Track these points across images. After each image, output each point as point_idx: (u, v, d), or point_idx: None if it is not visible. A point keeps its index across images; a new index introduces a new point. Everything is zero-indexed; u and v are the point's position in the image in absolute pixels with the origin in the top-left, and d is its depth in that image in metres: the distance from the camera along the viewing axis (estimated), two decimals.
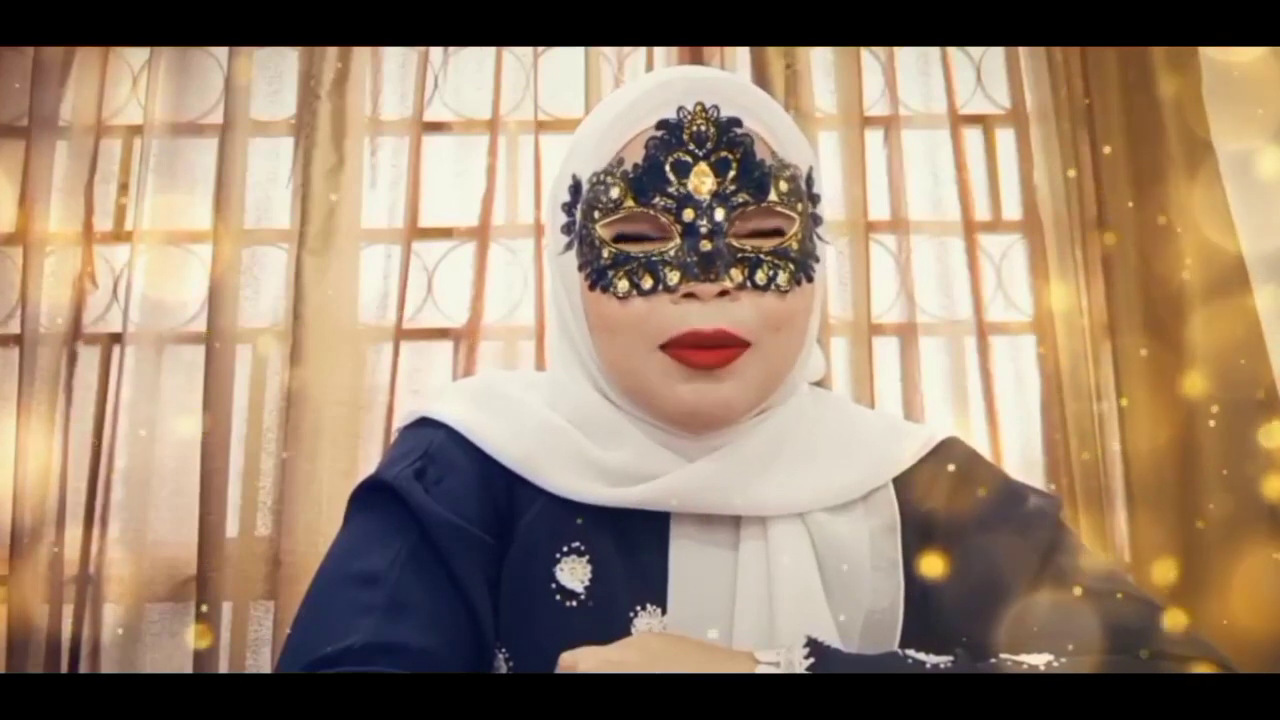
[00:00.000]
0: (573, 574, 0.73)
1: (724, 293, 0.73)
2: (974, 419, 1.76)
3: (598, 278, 0.75)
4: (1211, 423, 1.66)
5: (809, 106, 1.81)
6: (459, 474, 0.76)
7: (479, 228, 1.81)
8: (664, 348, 0.74)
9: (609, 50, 1.89)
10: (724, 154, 0.75)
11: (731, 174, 0.74)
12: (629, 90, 0.81)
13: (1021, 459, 1.76)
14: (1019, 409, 1.80)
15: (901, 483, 0.81)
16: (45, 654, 1.63)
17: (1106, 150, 1.79)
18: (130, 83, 1.91)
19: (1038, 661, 0.67)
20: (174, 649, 1.69)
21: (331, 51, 1.83)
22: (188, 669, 1.64)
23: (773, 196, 0.75)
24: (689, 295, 0.73)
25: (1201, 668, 0.68)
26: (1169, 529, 1.66)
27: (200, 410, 1.71)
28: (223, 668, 1.65)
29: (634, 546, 0.75)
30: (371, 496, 0.76)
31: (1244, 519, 1.63)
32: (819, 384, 0.88)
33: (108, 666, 1.65)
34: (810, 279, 0.77)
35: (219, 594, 1.65)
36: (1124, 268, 1.76)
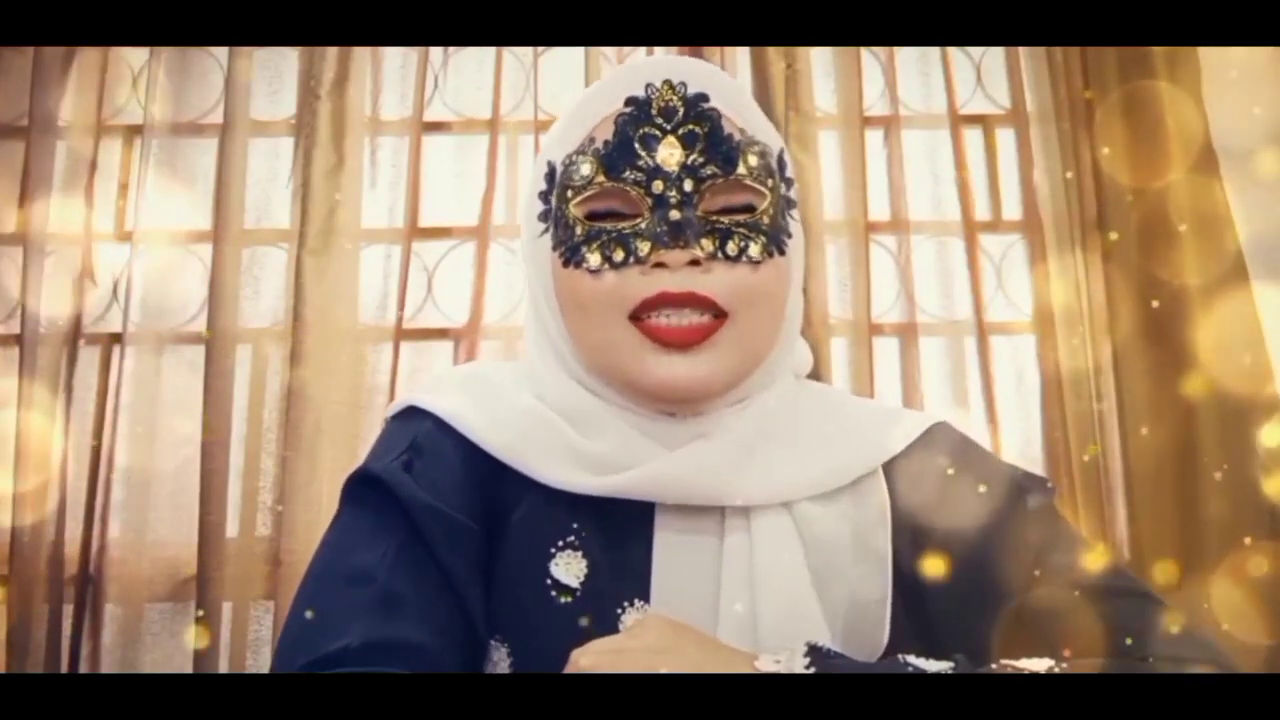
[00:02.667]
0: (568, 569, 0.73)
1: (695, 262, 0.74)
2: (974, 419, 1.76)
3: (571, 254, 0.76)
4: (1211, 423, 1.66)
5: (809, 106, 1.81)
6: (446, 464, 0.76)
7: (479, 228, 1.81)
8: (635, 319, 0.74)
9: (609, 50, 1.88)
10: (692, 127, 0.76)
11: (699, 146, 0.75)
12: (598, 81, 0.83)
13: (1021, 459, 1.76)
14: (1019, 409, 1.80)
15: (891, 470, 0.80)
16: (45, 654, 1.63)
17: (1106, 150, 1.79)
18: (130, 83, 1.91)
19: (1038, 667, 0.66)
20: (174, 649, 1.69)
21: (331, 51, 1.83)
22: (188, 669, 1.64)
23: (741, 170, 0.76)
24: (659, 265, 0.74)
25: (1201, 668, 0.68)
26: (1169, 529, 1.66)
27: (200, 410, 1.70)
28: (223, 668, 1.65)
29: (621, 540, 0.75)
30: (362, 489, 0.76)
31: (1244, 519, 1.63)
32: (811, 378, 0.88)
33: (108, 666, 1.65)
34: (783, 251, 0.77)
35: (219, 594, 1.65)
36: (1124, 268, 1.76)
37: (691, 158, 0.75)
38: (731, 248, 0.74)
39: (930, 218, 1.87)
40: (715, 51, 1.81)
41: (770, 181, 0.77)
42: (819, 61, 1.88)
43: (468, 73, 1.92)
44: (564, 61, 1.89)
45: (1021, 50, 1.91)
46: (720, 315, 0.74)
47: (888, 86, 1.89)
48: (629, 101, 0.76)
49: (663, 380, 0.74)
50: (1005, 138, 1.91)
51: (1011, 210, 1.87)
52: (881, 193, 1.85)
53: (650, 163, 0.75)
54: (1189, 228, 1.72)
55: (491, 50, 1.88)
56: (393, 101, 1.88)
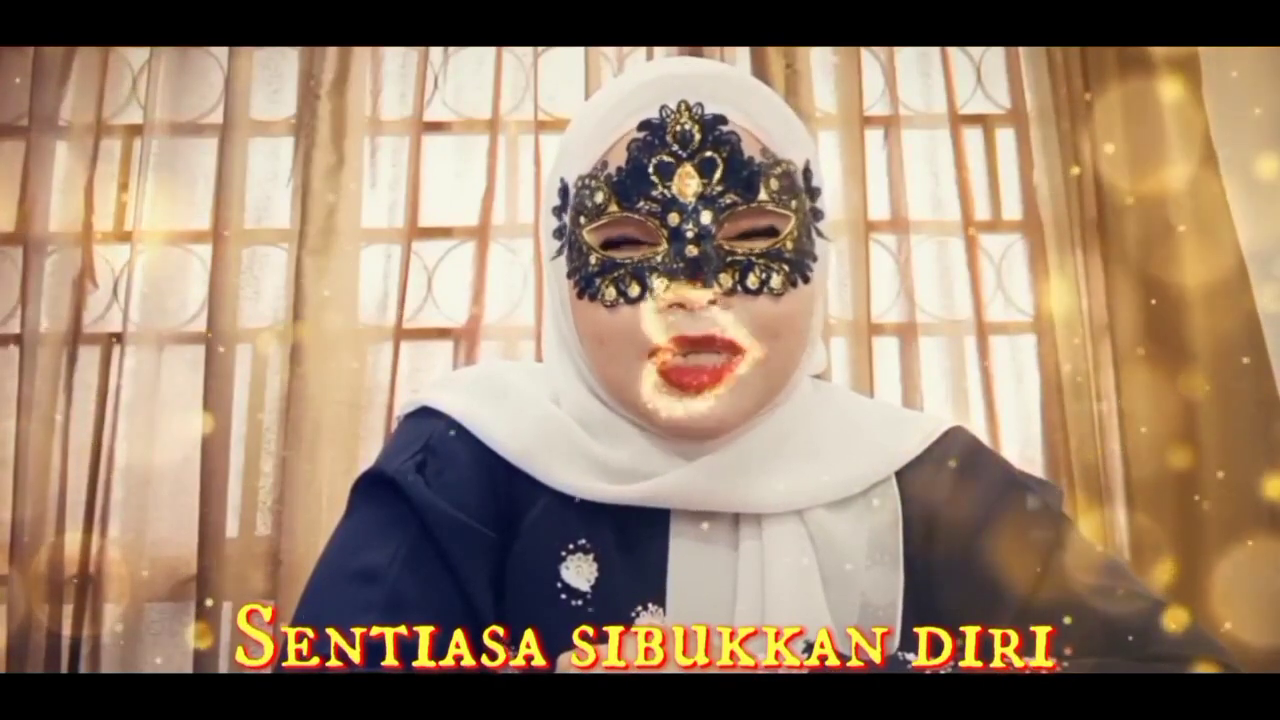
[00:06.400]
0: (579, 573, 0.73)
1: (713, 302, 0.71)
2: (974, 419, 1.76)
3: (585, 285, 0.74)
4: (1211, 423, 1.66)
5: (809, 106, 1.81)
6: (460, 467, 0.75)
7: (479, 228, 1.82)
8: (654, 357, 0.72)
9: (609, 50, 1.88)
10: (709, 154, 0.72)
11: (718, 174, 0.72)
12: (613, 89, 0.79)
13: (1021, 459, 1.76)
14: (1019, 409, 1.80)
15: (904, 475, 0.79)
16: (45, 654, 1.63)
17: (1107, 150, 1.79)
18: (130, 83, 1.91)
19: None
20: (174, 649, 1.69)
21: (331, 51, 1.83)
22: (188, 669, 1.64)
23: (763, 196, 0.73)
24: (677, 305, 0.71)
25: (1204, 667, 0.68)
26: (1169, 529, 1.66)
27: (200, 410, 1.71)
28: (223, 668, 1.65)
29: (636, 544, 0.75)
30: (373, 489, 0.75)
31: (1244, 519, 1.63)
32: (818, 377, 0.88)
33: (108, 666, 1.65)
34: (807, 280, 0.74)
35: (219, 594, 1.65)
36: (1124, 268, 1.76)
37: (709, 187, 0.72)
38: (752, 280, 0.72)
39: (930, 217, 1.87)
40: (715, 51, 1.81)
41: (794, 202, 0.74)
42: (819, 61, 1.88)
43: (468, 73, 1.92)
44: (564, 61, 1.89)
45: (1021, 50, 1.91)
46: (740, 350, 0.72)
47: (888, 86, 1.89)
48: (642, 125, 0.73)
49: (679, 422, 0.73)
50: (1005, 138, 1.91)
51: (1011, 210, 1.88)
52: (881, 193, 1.85)
53: (666, 193, 0.72)
54: (1189, 228, 1.72)
55: (491, 50, 1.88)
56: (393, 101, 1.88)
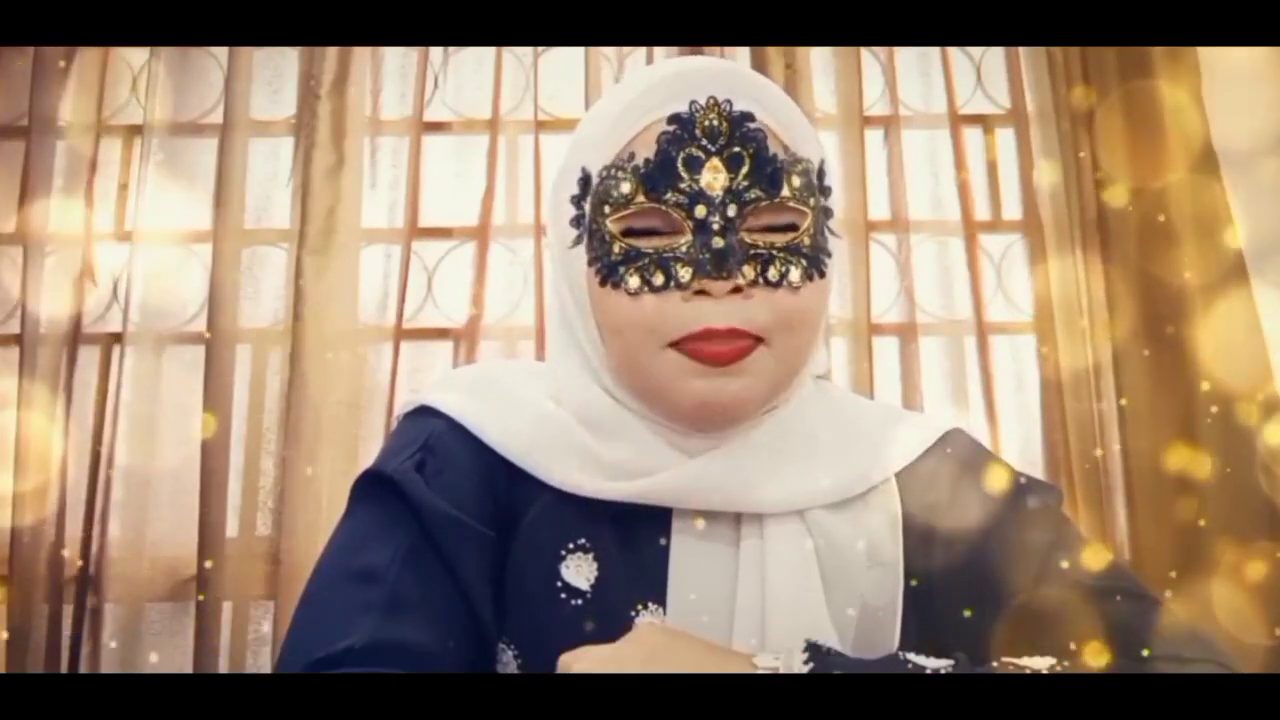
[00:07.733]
0: (579, 572, 0.73)
1: (736, 289, 0.72)
2: (974, 419, 1.76)
3: (608, 274, 0.74)
4: (1211, 423, 1.66)
5: (809, 106, 1.81)
6: (459, 466, 0.76)
7: (479, 228, 1.82)
8: (676, 345, 0.73)
9: (609, 50, 1.89)
10: (736, 149, 0.74)
11: (744, 170, 0.74)
12: (638, 81, 0.79)
13: (1021, 459, 1.76)
14: (1019, 409, 1.80)
15: (904, 477, 0.80)
16: (45, 654, 1.63)
17: (1107, 150, 1.79)
18: (130, 83, 1.91)
19: (1040, 665, 0.66)
20: (174, 649, 1.69)
21: (331, 51, 1.83)
22: (188, 669, 1.64)
23: (786, 192, 0.74)
24: (701, 292, 0.72)
25: (1202, 668, 0.68)
26: (1169, 529, 1.66)
27: (200, 410, 1.70)
28: (223, 668, 1.65)
29: (636, 544, 0.75)
30: (372, 489, 0.76)
31: (1244, 519, 1.63)
32: (820, 378, 0.88)
33: (108, 666, 1.65)
34: (823, 274, 0.76)
35: (219, 594, 1.65)
36: (1124, 268, 1.76)
37: (736, 181, 0.73)
38: (773, 273, 0.73)
39: (930, 217, 1.87)
40: (715, 51, 1.81)
41: (812, 199, 0.76)
42: (819, 61, 1.88)
43: (468, 73, 1.92)
44: (564, 61, 1.89)
45: (1021, 50, 1.91)
46: (760, 340, 0.73)
47: (888, 86, 1.89)
48: (672, 118, 0.74)
49: (701, 401, 0.73)
50: (1005, 138, 1.91)
51: (1011, 210, 1.88)
52: (881, 192, 1.85)
53: (694, 186, 0.73)
54: (1189, 228, 1.72)
55: (491, 50, 1.88)
56: (393, 101, 1.88)
